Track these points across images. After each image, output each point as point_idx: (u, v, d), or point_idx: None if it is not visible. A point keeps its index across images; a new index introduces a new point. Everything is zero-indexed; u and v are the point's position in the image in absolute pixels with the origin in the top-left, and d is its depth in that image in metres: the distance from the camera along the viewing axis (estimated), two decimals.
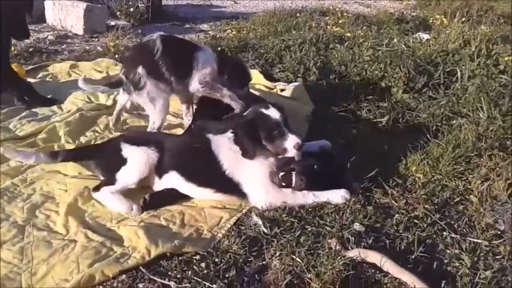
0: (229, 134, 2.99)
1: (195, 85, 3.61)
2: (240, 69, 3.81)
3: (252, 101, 3.44)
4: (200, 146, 2.98)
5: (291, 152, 2.92)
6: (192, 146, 3.02)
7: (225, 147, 2.94)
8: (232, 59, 4.14)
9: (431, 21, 7.97)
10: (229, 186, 2.90)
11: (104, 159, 3.01)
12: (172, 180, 2.96)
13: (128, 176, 2.89)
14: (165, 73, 3.53)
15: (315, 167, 2.97)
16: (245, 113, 3.15)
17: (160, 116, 3.59)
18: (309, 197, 2.90)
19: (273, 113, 2.98)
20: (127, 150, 2.93)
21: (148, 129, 3.63)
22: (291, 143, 2.91)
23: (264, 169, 2.92)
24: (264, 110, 3.01)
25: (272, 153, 2.97)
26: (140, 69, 3.51)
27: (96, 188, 2.89)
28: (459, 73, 4.83)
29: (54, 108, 4.21)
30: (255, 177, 2.90)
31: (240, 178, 2.90)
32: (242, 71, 3.83)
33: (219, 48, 5.93)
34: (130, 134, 3.21)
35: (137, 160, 2.91)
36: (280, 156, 2.96)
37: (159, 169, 2.95)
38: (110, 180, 2.89)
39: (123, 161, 2.90)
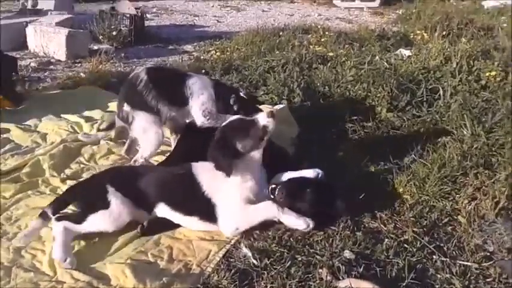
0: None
1: (198, 118, 3.62)
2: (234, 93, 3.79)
3: None
4: (183, 172, 2.96)
5: (270, 124, 2.89)
6: (176, 174, 3.00)
7: (204, 170, 2.92)
8: (225, 85, 4.14)
9: (412, 36, 8.06)
10: (208, 211, 2.87)
11: (85, 197, 2.91)
12: (162, 211, 2.93)
13: (104, 224, 2.79)
14: (153, 105, 3.52)
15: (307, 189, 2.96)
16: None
17: (150, 148, 3.59)
18: (273, 213, 2.86)
19: (250, 119, 2.94)
20: (112, 195, 2.83)
21: (136, 157, 3.62)
22: (263, 117, 2.90)
23: (236, 191, 2.87)
24: (242, 117, 3.00)
25: (254, 149, 2.92)
26: (125, 106, 3.54)
27: (59, 219, 2.80)
28: (441, 90, 4.88)
29: (38, 139, 4.15)
30: (228, 198, 2.87)
31: (216, 201, 2.88)
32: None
33: (203, 71, 5.95)
34: (117, 174, 3.10)
35: (120, 210, 2.81)
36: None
37: (148, 205, 2.92)
38: (78, 219, 2.79)
39: (105, 205, 2.80)
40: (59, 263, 2.60)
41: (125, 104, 3.56)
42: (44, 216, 2.87)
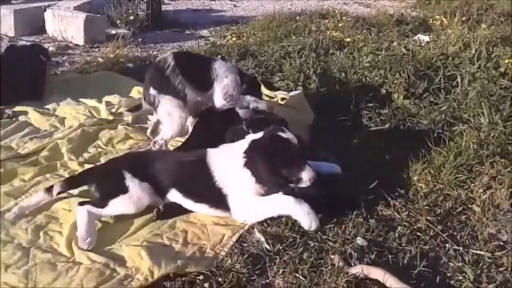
0: (229, 148, 3.01)
1: (219, 101, 3.73)
2: (253, 79, 3.94)
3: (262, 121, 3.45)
4: (195, 159, 2.99)
5: (305, 183, 2.84)
6: (188, 160, 3.03)
7: (218, 159, 2.94)
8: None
9: (431, 21, 7.94)
10: (219, 200, 2.90)
11: (104, 184, 2.99)
12: (174, 197, 2.98)
13: (126, 207, 2.88)
14: (179, 89, 3.65)
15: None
16: (257, 135, 2.99)
17: (172, 131, 3.68)
18: (283, 209, 2.82)
19: (292, 138, 2.88)
20: (130, 181, 2.90)
21: (156, 138, 3.69)
22: (307, 175, 2.83)
23: (250, 184, 2.88)
24: (282, 134, 2.89)
25: (283, 178, 2.86)
26: (151, 90, 3.66)
27: (81, 203, 2.88)
28: (459, 77, 4.82)
29: (56, 123, 4.22)
30: (240, 190, 2.89)
31: (228, 191, 2.89)
32: (255, 80, 3.96)
33: (219, 56, 5.95)
34: (133, 160, 3.16)
35: (139, 194, 2.89)
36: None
37: (161, 190, 2.97)
38: (101, 204, 2.87)
39: (124, 191, 2.88)
40: (77, 242, 2.68)
41: (151, 88, 3.67)
42: (48, 190, 3.00)
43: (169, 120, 3.66)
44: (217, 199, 2.91)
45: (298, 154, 2.87)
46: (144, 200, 2.92)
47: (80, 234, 2.69)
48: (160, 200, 2.99)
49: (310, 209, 2.78)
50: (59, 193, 3.02)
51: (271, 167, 2.82)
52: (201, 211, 2.97)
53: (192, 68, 3.72)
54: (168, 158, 3.16)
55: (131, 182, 2.91)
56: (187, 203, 2.98)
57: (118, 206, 2.88)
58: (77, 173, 3.35)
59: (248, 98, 3.79)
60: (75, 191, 3.12)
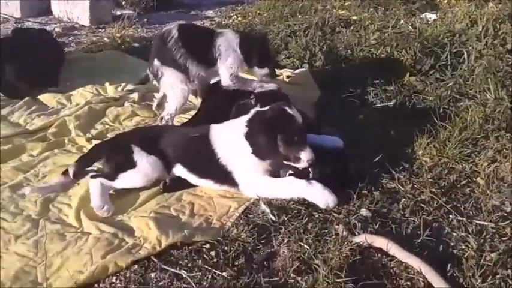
0: (232, 124, 3.01)
1: (225, 80, 3.69)
2: (263, 50, 3.78)
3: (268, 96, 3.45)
4: (198, 135, 3.01)
5: (303, 163, 2.80)
6: (191, 136, 3.05)
7: (222, 136, 2.94)
8: (255, 39, 3.91)
9: (438, 0, 7.84)
10: (224, 176, 2.92)
11: (113, 158, 3.03)
12: (179, 172, 3.02)
13: (135, 180, 2.95)
14: (181, 62, 3.62)
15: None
16: (263, 108, 2.95)
17: (176, 104, 3.68)
18: (296, 192, 2.81)
19: (297, 116, 2.85)
20: (138, 155, 2.95)
21: (162, 114, 3.72)
22: (306, 156, 2.78)
23: (256, 160, 2.87)
24: (288, 109, 2.86)
25: (282, 157, 2.84)
26: (155, 61, 3.66)
27: (94, 176, 2.94)
28: (466, 54, 4.79)
29: (63, 101, 4.27)
30: (246, 167, 2.89)
31: (233, 167, 2.90)
32: (265, 51, 3.80)
33: None
34: (141, 135, 3.20)
35: (147, 168, 2.95)
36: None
37: (168, 164, 3.01)
38: (111, 176, 2.92)
39: (132, 164, 2.93)
40: (86, 213, 2.74)
41: (156, 59, 3.67)
42: (65, 174, 3.02)
43: (173, 93, 3.67)
44: (222, 175, 2.93)
45: (300, 133, 2.84)
46: (153, 173, 2.97)
47: (96, 204, 2.78)
48: (167, 174, 3.03)
49: (323, 188, 2.77)
50: (75, 174, 3.04)
51: (269, 139, 2.79)
52: (207, 186, 3.00)
53: (196, 42, 3.69)
54: (174, 133, 3.18)
55: (139, 156, 2.95)
56: (192, 178, 3.02)
57: (127, 179, 2.94)
58: (85, 149, 3.40)
59: (255, 84, 3.72)
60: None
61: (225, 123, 3.06)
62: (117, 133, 3.60)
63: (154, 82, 3.85)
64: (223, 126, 3.03)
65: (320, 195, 2.77)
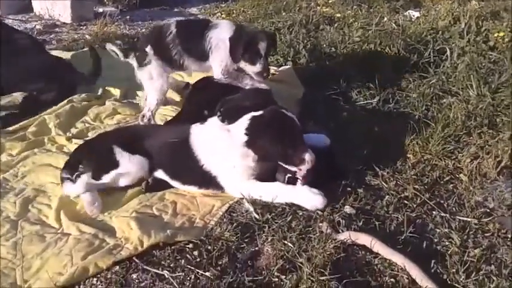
0: (213, 126, 2.91)
1: (217, 74, 3.68)
2: (252, 45, 3.60)
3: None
4: (177, 140, 2.93)
5: (306, 165, 2.74)
6: (171, 141, 2.97)
7: (203, 139, 2.87)
8: (246, 33, 3.69)
9: None
10: (208, 181, 2.87)
11: (94, 159, 2.96)
12: (162, 176, 2.98)
13: (119, 180, 2.91)
14: (177, 58, 3.65)
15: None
16: (261, 112, 2.81)
17: (155, 97, 3.66)
18: (283, 197, 2.77)
19: (295, 119, 2.80)
20: (120, 155, 2.90)
21: (143, 111, 3.68)
22: (309, 157, 2.72)
23: (243, 164, 2.81)
24: (286, 112, 2.80)
25: (284, 159, 2.77)
26: (148, 48, 3.65)
27: (78, 175, 2.88)
28: (449, 51, 4.82)
29: None
30: (231, 172, 2.83)
31: (218, 172, 2.84)
32: (255, 47, 3.61)
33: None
34: (121, 135, 3.15)
35: (131, 168, 2.90)
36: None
37: (150, 166, 2.97)
38: (96, 176, 2.88)
39: (115, 165, 2.88)
40: (66, 213, 2.69)
41: (149, 46, 3.65)
42: (65, 180, 2.94)
43: (151, 85, 3.67)
44: (206, 180, 2.87)
45: (301, 134, 2.81)
46: (135, 173, 2.92)
47: (87, 200, 2.76)
48: (149, 174, 2.99)
49: (309, 191, 2.74)
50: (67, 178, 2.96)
51: (275, 144, 2.71)
52: (191, 191, 2.94)
53: (191, 38, 3.66)
54: (155, 135, 3.08)
55: (121, 156, 2.90)
56: (175, 184, 2.97)
57: (111, 180, 2.89)
58: (65, 148, 3.35)
59: (246, 81, 3.69)
60: (61, 166, 3.09)
61: (206, 124, 2.94)
62: (98, 132, 3.55)
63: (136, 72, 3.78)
64: (204, 128, 2.93)
65: (307, 199, 2.74)
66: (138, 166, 2.92)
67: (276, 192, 2.78)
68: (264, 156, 2.77)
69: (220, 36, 3.61)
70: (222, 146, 2.81)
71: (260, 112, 2.82)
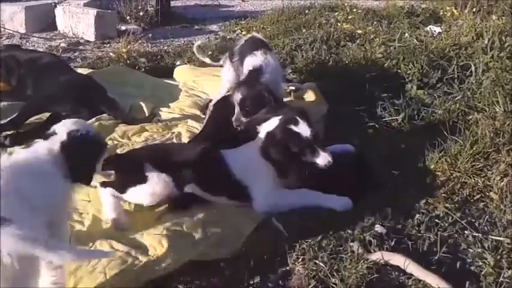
0: (245, 150, 3.09)
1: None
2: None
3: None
4: (214, 161, 3.02)
5: (323, 160, 2.90)
6: (207, 161, 3.03)
7: (240, 160, 3.00)
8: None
9: (441, 13, 7.88)
10: (240, 192, 2.95)
11: (124, 173, 3.00)
12: (192, 189, 3.00)
13: (142, 197, 2.91)
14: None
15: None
16: (272, 128, 2.99)
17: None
18: (311, 200, 2.94)
19: (304, 130, 2.92)
20: (150, 172, 2.90)
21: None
22: (322, 161, 2.89)
23: (268, 172, 2.95)
24: (293, 127, 2.93)
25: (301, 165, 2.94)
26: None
27: (104, 185, 2.93)
28: (473, 67, 4.80)
29: None
30: (259, 181, 2.95)
31: (248, 182, 2.96)
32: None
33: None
34: (153, 153, 3.14)
35: (157, 186, 2.89)
36: None
37: (179, 183, 2.97)
38: (122, 189, 2.90)
39: (143, 180, 2.89)
40: (105, 229, 2.77)
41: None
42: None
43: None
44: (236, 192, 2.97)
45: (311, 145, 2.92)
46: (160, 192, 2.92)
47: (110, 217, 2.80)
48: (177, 191, 3.00)
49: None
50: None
51: (286, 157, 2.89)
52: (220, 202, 3.00)
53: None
54: (187, 151, 3.15)
55: (150, 172, 2.91)
56: (205, 195, 3.00)
57: (136, 195, 2.90)
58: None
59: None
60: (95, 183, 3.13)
61: (238, 150, 3.12)
62: (126, 149, 3.60)
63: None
64: (238, 149, 3.11)
65: (336, 199, 2.89)
66: (164, 185, 2.92)
67: (304, 196, 2.92)
68: (281, 172, 2.93)
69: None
70: (252, 165, 2.97)
71: (272, 126, 2.98)
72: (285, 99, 4.10)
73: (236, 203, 2.99)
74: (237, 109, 3.54)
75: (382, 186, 3.10)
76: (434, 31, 6.30)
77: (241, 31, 7.36)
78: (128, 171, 3.00)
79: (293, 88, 4.75)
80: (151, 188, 2.90)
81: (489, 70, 4.76)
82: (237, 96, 3.54)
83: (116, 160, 3.14)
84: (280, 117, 3.00)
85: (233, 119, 3.55)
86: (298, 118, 2.96)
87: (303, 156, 2.92)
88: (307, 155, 2.91)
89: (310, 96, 4.54)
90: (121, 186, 2.91)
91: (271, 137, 2.96)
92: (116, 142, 3.81)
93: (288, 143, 2.90)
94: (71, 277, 2.38)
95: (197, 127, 4.00)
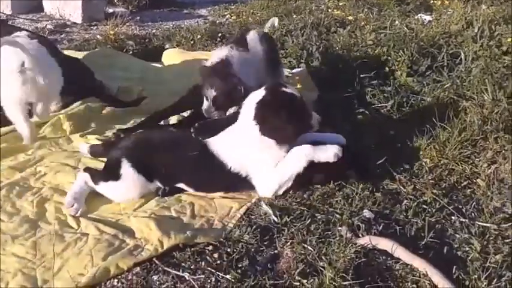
0: (231, 130, 2.92)
1: None
2: None
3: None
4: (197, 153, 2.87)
5: (314, 128, 2.98)
6: (190, 155, 2.87)
7: (225, 146, 2.87)
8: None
9: (431, 1, 7.87)
10: (238, 183, 2.86)
11: (104, 165, 2.96)
12: (183, 187, 2.94)
13: (113, 194, 2.84)
14: None
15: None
16: (261, 96, 2.83)
17: None
18: (305, 157, 2.80)
19: (293, 90, 2.90)
20: (125, 169, 2.79)
21: None
22: (315, 120, 2.94)
23: (268, 155, 2.83)
24: (283, 88, 2.86)
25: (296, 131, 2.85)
26: None
27: (85, 169, 2.91)
28: (463, 55, 4.80)
29: None
30: (260, 166, 2.84)
31: (248, 171, 2.85)
32: None
33: (220, 35, 5.94)
34: (134, 148, 2.90)
35: (129, 187, 2.82)
36: None
37: (166, 180, 2.91)
38: (95, 180, 2.83)
39: (116, 177, 2.79)
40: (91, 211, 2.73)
41: None
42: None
43: None
44: (233, 184, 2.89)
45: (302, 101, 2.91)
46: (134, 192, 2.83)
47: (67, 200, 2.73)
48: (159, 186, 2.91)
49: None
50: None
51: (286, 119, 2.76)
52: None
53: None
54: (173, 146, 2.94)
55: (126, 171, 2.80)
56: (199, 193, 2.93)
57: (106, 190, 2.84)
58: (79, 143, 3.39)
59: None
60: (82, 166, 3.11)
61: (225, 138, 2.91)
62: (114, 131, 3.49)
63: None
64: (224, 134, 2.92)
65: (327, 149, 2.82)
66: (138, 186, 2.83)
67: (297, 156, 2.80)
68: (282, 138, 2.80)
69: None
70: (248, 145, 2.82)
71: (260, 95, 2.83)
72: None
73: (235, 195, 2.91)
74: (207, 101, 3.44)
75: (371, 172, 3.08)
76: (425, 19, 6.30)
77: (231, 16, 7.30)
78: (106, 164, 2.94)
79: (285, 74, 4.72)
80: (124, 188, 2.82)
81: (478, 58, 4.78)
82: (210, 92, 3.40)
83: (104, 149, 3.09)
84: (264, 87, 2.90)
85: (203, 110, 3.45)
86: (281, 83, 2.96)
87: (297, 116, 2.80)
88: (302, 114, 2.86)
89: (300, 81, 4.51)
90: (96, 177, 2.84)
91: (264, 103, 2.80)
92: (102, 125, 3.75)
93: (283, 103, 2.78)
94: (57, 258, 2.36)
95: None
